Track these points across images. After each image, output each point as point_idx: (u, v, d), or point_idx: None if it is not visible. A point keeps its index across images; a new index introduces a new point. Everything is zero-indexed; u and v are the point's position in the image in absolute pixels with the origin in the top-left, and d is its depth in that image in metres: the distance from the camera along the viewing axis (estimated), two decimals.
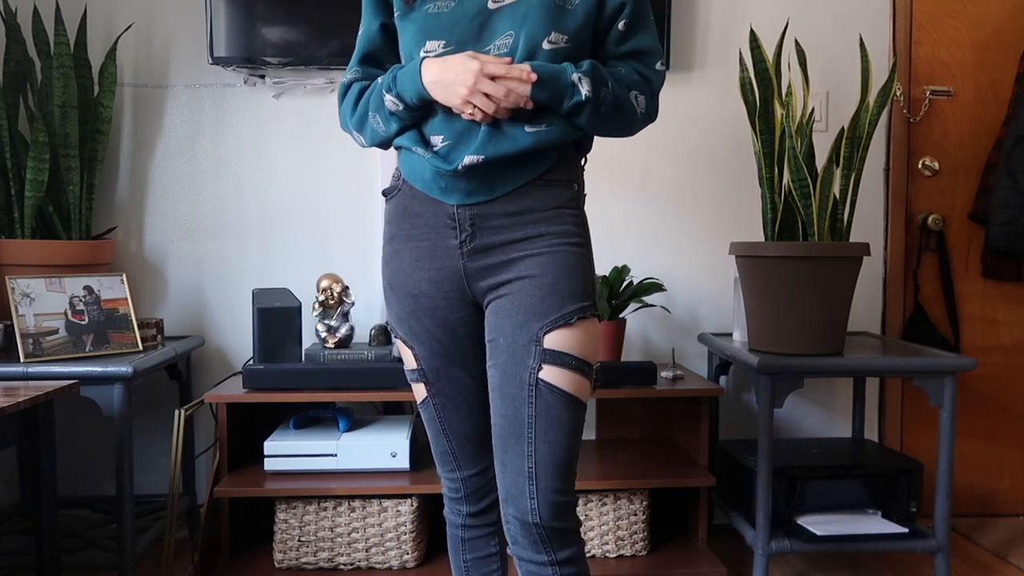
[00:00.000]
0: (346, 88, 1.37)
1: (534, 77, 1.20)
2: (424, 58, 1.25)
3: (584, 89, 1.23)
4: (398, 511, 2.07)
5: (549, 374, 1.24)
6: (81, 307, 2.06)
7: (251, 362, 2.21)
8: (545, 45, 1.24)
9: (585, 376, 1.27)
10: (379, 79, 1.31)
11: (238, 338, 2.50)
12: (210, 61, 2.34)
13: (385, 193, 1.39)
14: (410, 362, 1.39)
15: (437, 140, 1.27)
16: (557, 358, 1.25)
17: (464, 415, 1.38)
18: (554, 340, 1.25)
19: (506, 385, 1.27)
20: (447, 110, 1.26)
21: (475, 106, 1.20)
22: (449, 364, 1.36)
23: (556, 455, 1.24)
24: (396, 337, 1.40)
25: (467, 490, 1.43)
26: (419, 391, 1.40)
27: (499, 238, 1.28)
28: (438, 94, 1.22)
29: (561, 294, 1.26)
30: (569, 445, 1.26)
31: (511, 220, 1.27)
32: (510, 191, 1.27)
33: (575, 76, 1.23)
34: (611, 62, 1.32)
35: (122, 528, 1.96)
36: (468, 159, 1.24)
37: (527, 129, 1.24)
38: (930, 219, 2.62)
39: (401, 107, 1.27)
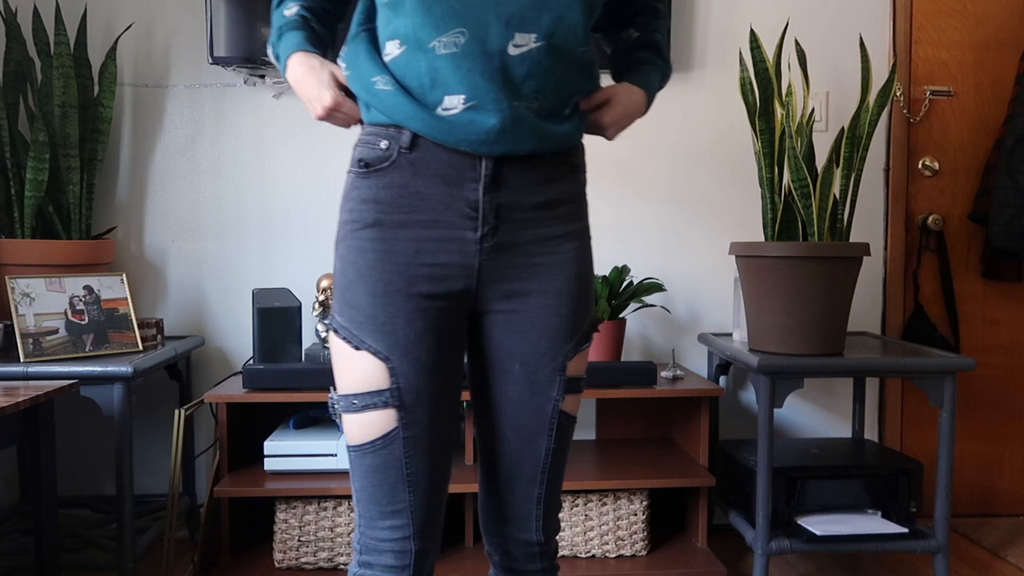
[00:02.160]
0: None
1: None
2: (293, 54, 1.14)
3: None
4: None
5: (568, 404, 1.17)
6: (81, 307, 2.06)
7: (251, 362, 2.21)
8: None
9: None
10: (284, 10, 1.18)
11: (238, 338, 2.50)
12: (210, 61, 2.34)
13: (367, 164, 1.11)
14: (374, 381, 1.08)
15: (455, 102, 1.05)
16: (574, 385, 1.17)
17: (437, 458, 1.12)
18: (574, 366, 1.16)
19: (521, 416, 1.15)
20: (463, 56, 1.04)
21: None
22: (434, 383, 1.10)
23: (561, 478, 1.22)
24: (359, 348, 1.08)
25: (415, 568, 1.12)
26: (379, 423, 1.08)
27: (525, 235, 1.11)
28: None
29: (583, 311, 1.16)
30: (567, 464, 1.23)
31: (537, 214, 1.12)
32: (546, 153, 1.12)
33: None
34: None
35: (122, 528, 1.96)
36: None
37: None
38: (930, 219, 2.62)
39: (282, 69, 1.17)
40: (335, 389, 1.13)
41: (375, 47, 1.12)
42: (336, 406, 1.13)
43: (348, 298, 1.10)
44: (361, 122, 1.15)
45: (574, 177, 1.17)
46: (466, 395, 1.27)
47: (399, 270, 1.08)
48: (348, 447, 1.12)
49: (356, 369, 1.09)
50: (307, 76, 1.12)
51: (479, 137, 1.05)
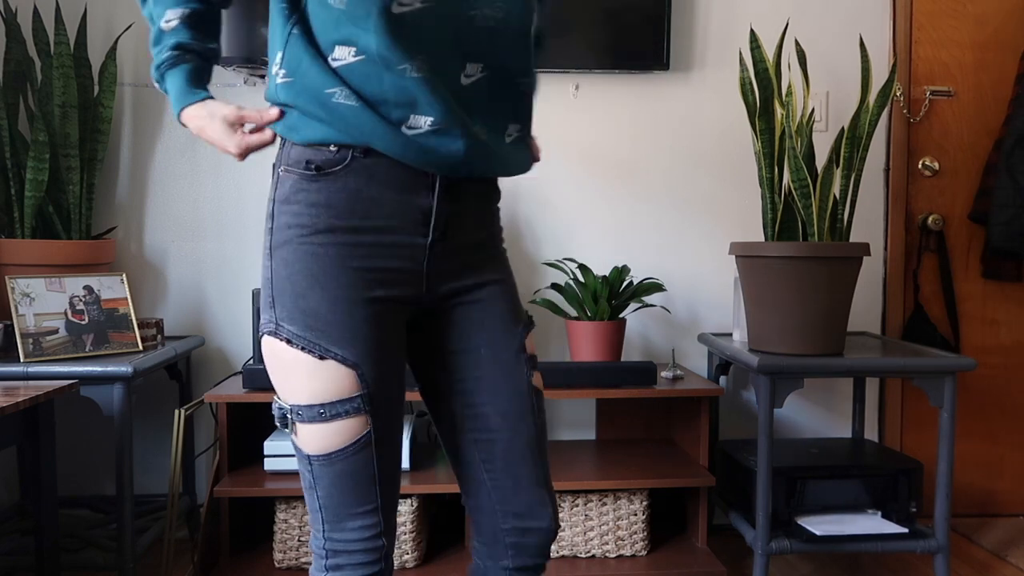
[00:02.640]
0: None
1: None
2: (183, 109, 1.13)
3: None
4: (398, 511, 2.07)
5: (537, 380, 1.20)
6: (81, 307, 2.06)
7: (251, 362, 2.21)
8: None
9: None
10: (161, 23, 1.14)
11: (238, 338, 2.50)
12: None
13: (318, 168, 1.07)
14: (344, 389, 1.06)
15: (421, 122, 1.06)
16: (534, 362, 1.21)
17: (397, 458, 1.14)
18: (529, 344, 1.21)
19: (501, 400, 1.17)
20: (432, 72, 1.05)
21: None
22: (395, 384, 1.11)
23: (548, 455, 1.23)
24: (324, 357, 1.05)
25: (387, 562, 1.13)
26: (350, 430, 1.07)
27: (470, 237, 1.16)
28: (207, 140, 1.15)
29: (518, 297, 1.23)
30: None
31: (478, 219, 1.18)
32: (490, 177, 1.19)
33: None
34: None
35: (122, 528, 1.96)
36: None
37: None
38: (930, 219, 2.62)
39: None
40: (282, 399, 1.09)
41: (316, 49, 1.06)
42: (291, 416, 1.08)
43: (303, 306, 1.06)
44: (282, 139, 1.12)
45: (496, 187, 1.23)
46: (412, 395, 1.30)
47: (357, 275, 1.07)
48: (311, 457, 1.08)
49: (323, 379, 1.06)
50: (205, 132, 1.13)
51: (446, 162, 1.08)
